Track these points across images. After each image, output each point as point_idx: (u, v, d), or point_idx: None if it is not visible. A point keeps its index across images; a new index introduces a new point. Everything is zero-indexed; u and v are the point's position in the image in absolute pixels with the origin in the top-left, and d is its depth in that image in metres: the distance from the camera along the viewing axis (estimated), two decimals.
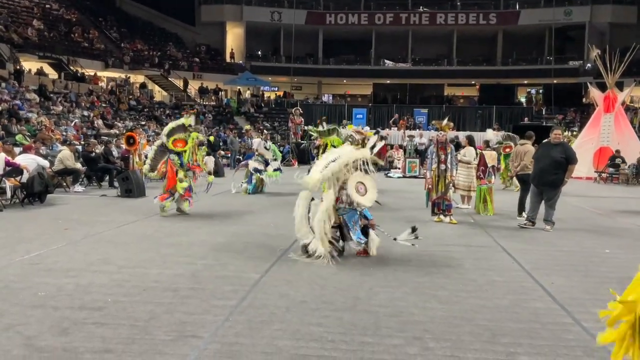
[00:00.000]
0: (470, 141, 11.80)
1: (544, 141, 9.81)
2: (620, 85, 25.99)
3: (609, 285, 5.70)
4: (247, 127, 26.34)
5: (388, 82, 41.90)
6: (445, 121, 10.05)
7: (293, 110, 27.73)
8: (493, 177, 11.06)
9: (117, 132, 23.78)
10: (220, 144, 25.67)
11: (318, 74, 42.91)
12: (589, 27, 38.77)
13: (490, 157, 11.01)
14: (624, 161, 19.82)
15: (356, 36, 43.16)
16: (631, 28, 37.25)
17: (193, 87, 38.28)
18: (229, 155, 24.37)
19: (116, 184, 13.77)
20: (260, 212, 10.60)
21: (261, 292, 5.23)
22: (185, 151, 10.01)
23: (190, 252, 6.93)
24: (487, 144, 11.70)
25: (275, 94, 42.67)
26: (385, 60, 43.11)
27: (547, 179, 9.07)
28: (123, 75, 34.77)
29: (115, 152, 16.80)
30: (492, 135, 11.75)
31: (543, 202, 9.28)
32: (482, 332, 4.26)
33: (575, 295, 5.25)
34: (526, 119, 30.75)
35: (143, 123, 27.39)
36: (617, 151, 20.12)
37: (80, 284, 5.39)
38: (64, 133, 19.89)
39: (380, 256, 6.83)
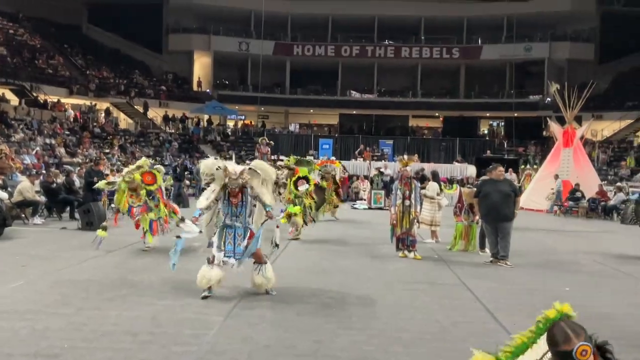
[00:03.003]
0: (434, 176, 12.02)
1: (484, 178, 10.04)
2: (579, 120, 26.87)
3: None
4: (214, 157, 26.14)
5: (354, 112, 42.39)
6: (406, 156, 10.21)
7: (260, 139, 27.73)
8: (472, 214, 10.69)
9: (80, 160, 23.38)
10: (186, 173, 25.43)
11: (285, 104, 43.14)
12: (548, 63, 40.07)
13: (470, 194, 10.65)
14: (583, 195, 20.36)
15: (323, 67, 43.66)
16: (588, 65, 38.68)
17: (158, 114, 38.01)
18: (195, 184, 24.12)
19: (77, 215, 13.47)
20: None
21: (223, 335, 5.14)
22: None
23: (152, 291, 6.79)
24: (467, 180, 11.46)
25: (243, 122, 42.72)
26: (352, 91, 43.68)
27: (502, 213, 9.27)
28: (88, 102, 34.32)
29: (77, 182, 16.45)
30: (472, 172, 11.70)
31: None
32: None
33: None
34: (488, 151, 31.39)
35: (107, 151, 27.00)
36: (577, 185, 20.67)
37: (37, 328, 5.21)
38: (25, 162, 19.45)
39: (344, 296, 6.81)
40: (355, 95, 43.64)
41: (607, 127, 35.15)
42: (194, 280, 7.32)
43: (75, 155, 24.77)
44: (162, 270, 8.13)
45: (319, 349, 4.84)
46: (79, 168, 20.00)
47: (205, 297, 6.41)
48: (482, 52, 41.48)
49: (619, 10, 37.81)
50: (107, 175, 16.10)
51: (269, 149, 26.33)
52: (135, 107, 37.06)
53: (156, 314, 5.76)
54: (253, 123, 42.74)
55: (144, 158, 10.99)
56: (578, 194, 20.48)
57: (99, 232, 9.47)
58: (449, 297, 6.98)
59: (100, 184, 10.53)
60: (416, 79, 42.74)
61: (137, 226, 9.94)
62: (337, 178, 16.15)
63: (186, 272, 7.93)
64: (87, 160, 21.89)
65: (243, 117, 43.56)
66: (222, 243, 6.62)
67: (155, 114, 37.79)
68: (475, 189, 11.04)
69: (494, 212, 9.33)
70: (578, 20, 39.26)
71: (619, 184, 21.68)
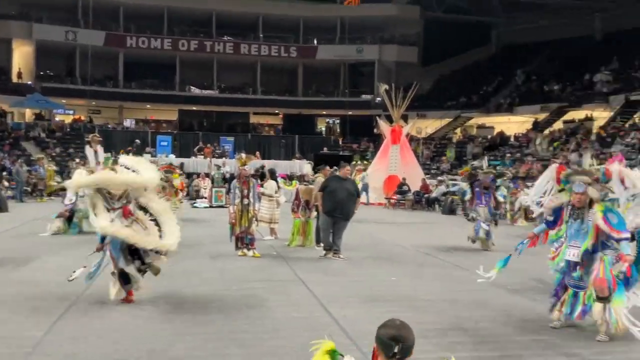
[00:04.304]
0: (272, 174, 12.20)
1: (332, 175, 10.51)
2: (405, 119, 28.91)
3: (394, 314, 6.20)
4: (40, 155, 24.08)
5: (194, 108, 41.47)
6: (244, 155, 10.25)
7: (90, 136, 25.96)
8: (308, 211, 11.07)
9: None
10: (4, 173, 23.11)
11: (119, 98, 40.91)
12: (378, 64, 42.43)
13: (306, 191, 11.19)
14: (409, 189, 21.99)
15: (160, 60, 42.06)
16: (413, 67, 41.64)
17: None
18: (15, 186, 21.95)
19: None
20: (52, 254, 9.63)
21: (43, 354, 4.75)
22: None
23: None
24: (304, 178, 11.88)
25: (73, 117, 39.77)
26: (191, 87, 42.67)
27: (345, 211, 9.71)
28: None
29: None
30: (309, 169, 12.06)
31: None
32: None
33: (363, 328, 5.52)
34: (325, 148, 32.63)
35: None
36: (404, 179, 22.26)
37: None
38: None
39: (182, 300, 6.66)
40: (195, 90, 42.68)
41: (430, 125, 38.31)
42: (11, 294, 6.71)
43: None
44: None
45: (150, 358, 4.68)
46: None
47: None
48: (317, 52, 42.82)
49: (440, 16, 41.27)
50: None
51: (101, 147, 24.78)
52: None
53: None
54: (83, 118, 39.96)
55: None
56: (405, 188, 22.07)
57: None
58: (285, 293, 7.14)
59: None
60: (256, 76, 42.97)
61: None
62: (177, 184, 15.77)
63: (1, 285, 7.24)
64: None
65: (72, 112, 40.55)
66: None
67: None
68: (311, 185, 11.45)
69: (339, 209, 9.69)
70: (404, 25, 42.09)
71: (439, 177, 23.75)
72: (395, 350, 2.43)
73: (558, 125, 30.99)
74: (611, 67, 30.99)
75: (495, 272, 6.37)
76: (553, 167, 6.57)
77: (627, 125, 26.62)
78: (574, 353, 5.13)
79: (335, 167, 11.69)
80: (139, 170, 6.53)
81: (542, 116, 31.93)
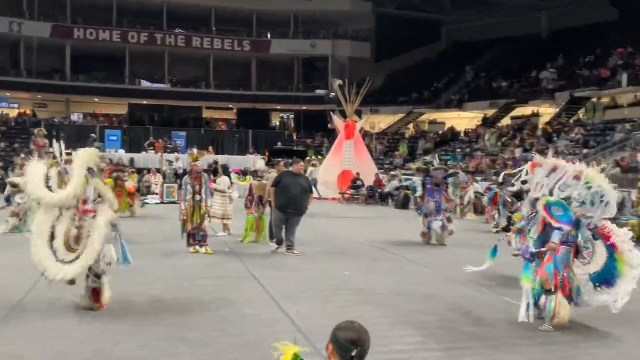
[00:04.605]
0: (225, 170, 12.09)
1: (285, 170, 10.50)
2: (359, 114, 29.11)
3: (347, 309, 6.25)
4: None
5: (145, 102, 40.61)
6: (195, 150, 10.14)
7: (36, 130, 25.13)
8: (261, 206, 11.04)
9: None
10: None
11: (65, 91, 39.68)
12: (331, 59, 42.49)
13: (259, 187, 11.13)
14: (363, 183, 22.15)
15: (109, 53, 40.97)
16: (366, 62, 41.90)
17: None
18: None
19: None
20: None
21: None
22: None
23: None
24: (257, 173, 11.81)
25: (18, 111, 38.38)
26: (141, 80, 41.73)
27: (299, 207, 9.70)
28: None
29: None
30: (262, 165, 12.04)
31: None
32: None
33: (317, 323, 5.54)
34: (279, 143, 32.52)
35: None
36: (358, 174, 22.41)
37: None
38: None
39: (131, 298, 6.52)
40: (145, 84, 41.75)
41: (382, 120, 38.66)
42: None
43: None
44: None
45: (96, 359, 4.57)
46: None
47: None
48: (271, 46, 42.54)
49: (391, 13, 41.60)
50: None
51: (47, 141, 24.05)
52: None
53: None
54: (28, 112, 38.60)
55: None
56: (358, 183, 22.21)
57: None
58: (237, 290, 7.09)
59: None
60: (208, 70, 42.39)
61: None
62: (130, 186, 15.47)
63: None
64: None
65: (16, 105, 39.14)
66: None
67: None
68: (264, 181, 11.41)
69: (292, 204, 9.67)
70: (357, 20, 42.24)
71: (392, 172, 24.02)
72: (353, 354, 2.39)
73: (506, 121, 31.79)
74: (556, 65, 31.91)
75: (489, 263, 6.57)
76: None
77: (571, 120, 27.52)
78: (520, 343, 5.28)
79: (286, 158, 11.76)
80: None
81: (490, 112, 32.64)
